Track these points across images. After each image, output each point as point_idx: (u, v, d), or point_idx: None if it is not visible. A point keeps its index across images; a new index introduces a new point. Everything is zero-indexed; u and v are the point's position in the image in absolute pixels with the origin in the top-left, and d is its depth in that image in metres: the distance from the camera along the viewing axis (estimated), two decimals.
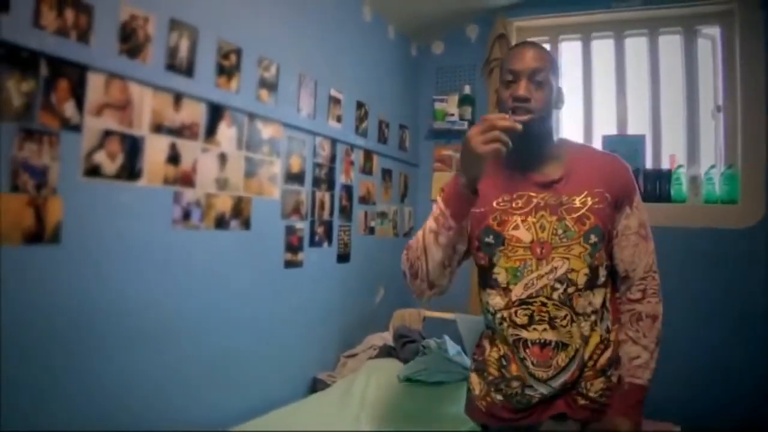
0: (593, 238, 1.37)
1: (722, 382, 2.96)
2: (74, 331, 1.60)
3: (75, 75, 1.59)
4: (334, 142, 2.87)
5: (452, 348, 2.76)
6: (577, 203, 1.40)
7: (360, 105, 3.13)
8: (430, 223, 1.39)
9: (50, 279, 1.53)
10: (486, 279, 1.48)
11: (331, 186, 2.86)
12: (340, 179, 2.95)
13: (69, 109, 1.57)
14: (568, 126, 3.65)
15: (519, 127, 1.27)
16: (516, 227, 1.41)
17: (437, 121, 3.73)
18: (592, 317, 1.40)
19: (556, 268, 1.37)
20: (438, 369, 2.57)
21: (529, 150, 1.44)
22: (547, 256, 1.38)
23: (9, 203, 1.43)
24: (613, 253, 1.46)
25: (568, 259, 1.37)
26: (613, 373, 1.43)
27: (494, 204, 1.45)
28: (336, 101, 2.89)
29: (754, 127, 3.05)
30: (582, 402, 1.41)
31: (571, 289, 1.37)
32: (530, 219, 1.41)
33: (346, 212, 3.01)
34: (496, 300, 1.45)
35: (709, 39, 3.31)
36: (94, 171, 1.64)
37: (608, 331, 1.44)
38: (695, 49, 3.33)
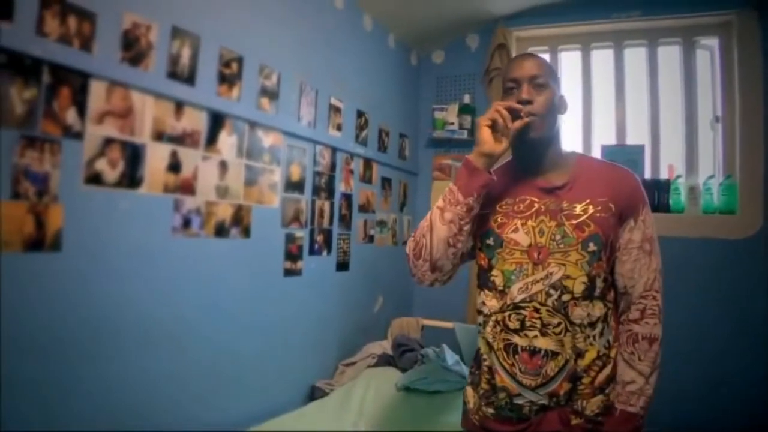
0: (592, 246, 1.35)
1: (720, 393, 2.96)
2: (74, 338, 1.59)
3: (77, 83, 1.59)
4: (334, 150, 2.88)
5: (450, 357, 2.76)
6: (578, 210, 1.39)
7: (360, 114, 3.14)
8: (438, 202, 1.43)
9: (50, 286, 1.53)
10: (484, 280, 1.47)
11: (330, 194, 2.86)
12: (340, 188, 2.95)
13: (71, 116, 1.58)
14: (568, 136, 3.64)
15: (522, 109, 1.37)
16: (515, 230, 1.41)
17: (437, 130, 3.75)
18: (588, 329, 1.36)
19: (551, 273, 1.36)
20: (436, 378, 2.57)
21: (535, 155, 1.46)
22: (543, 261, 1.37)
23: (10, 210, 1.43)
24: (615, 267, 1.43)
25: (564, 265, 1.36)
26: (612, 391, 1.39)
27: (497, 207, 1.47)
28: (336, 110, 2.90)
29: (753, 137, 3.07)
30: (576, 421, 1.37)
31: (566, 297, 1.35)
32: (530, 223, 1.41)
33: (346, 221, 3.02)
34: (492, 302, 1.44)
35: (708, 50, 3.33)
36: (95, 178, 1.65)
37: (607, 347, 1.40)
38: (694, 59, 3.35)
